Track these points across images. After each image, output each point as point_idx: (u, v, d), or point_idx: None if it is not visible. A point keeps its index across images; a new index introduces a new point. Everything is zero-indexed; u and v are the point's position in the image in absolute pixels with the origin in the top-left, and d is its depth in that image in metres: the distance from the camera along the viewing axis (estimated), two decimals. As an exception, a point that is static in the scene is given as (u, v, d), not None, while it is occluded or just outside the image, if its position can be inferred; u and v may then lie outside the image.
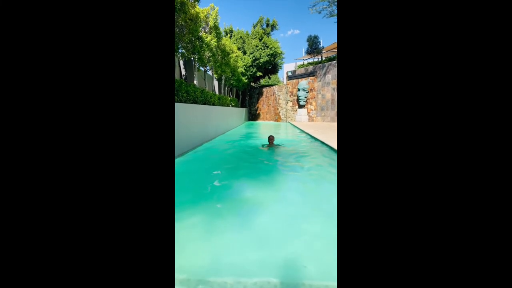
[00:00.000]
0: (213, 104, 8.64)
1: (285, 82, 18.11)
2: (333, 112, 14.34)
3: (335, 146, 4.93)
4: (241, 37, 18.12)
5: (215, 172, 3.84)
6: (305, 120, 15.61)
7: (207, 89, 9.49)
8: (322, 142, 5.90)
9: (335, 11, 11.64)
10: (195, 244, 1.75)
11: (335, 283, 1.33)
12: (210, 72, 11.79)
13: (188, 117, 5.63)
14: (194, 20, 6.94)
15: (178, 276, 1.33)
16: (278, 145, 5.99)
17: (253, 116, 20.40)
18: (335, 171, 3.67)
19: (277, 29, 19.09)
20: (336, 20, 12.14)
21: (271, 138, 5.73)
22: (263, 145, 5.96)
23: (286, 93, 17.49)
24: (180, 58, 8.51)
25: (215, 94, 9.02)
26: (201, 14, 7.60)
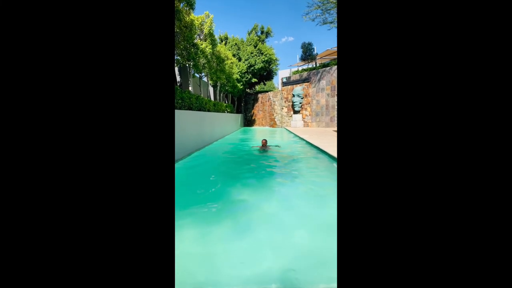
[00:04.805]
0: (208, 110, 8.64)
1: (280, 88, 18.28)
2: (327, 118, 14.47)
3: (327, 149, 4.96)
4: (236, 44, 18.31)
5: (210, 178, 3.81)
6: (300, 126, 15.71)
7: (202, 95, 9.51)
8: (318, 148, 5.93)
9: (328, 19, 11.90)
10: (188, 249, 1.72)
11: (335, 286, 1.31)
12: (205, 79, 11.83)
13: (182, 124, 5.61)
14: (189, 27, 7.00)
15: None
16: (276, 146, 6.78)
17: (248, 122, 20.45)
18: (327, 173, 3.68)
19: (271, 36, 19.36)
20: (329, 27, 12.41)
21: (264, 142, 6.40)
22: (256, 148, 6.58)
23: (281, 99, 17.63)
24: (175, 64, 8.54)
25: (210, 100, 9.03)
26: (196, 21, 7.67)
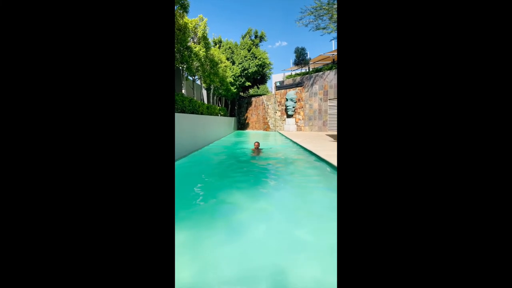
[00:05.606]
0: (202, 113, 8.58)
1: (273, 92, 18.38)
2: (320, 122, 14.62)
3: (320, 154, 5.00)
4: (230, 47, 18.36)
5: (203, 183, 3.77)
6: (294, 130, 15.81)
7: (195, 98, 9.46)
8: (311, 152, 5.96)
9: (321, 25, 12.07)
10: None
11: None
12: (198, 82, 11.79)
13: (175, 127, 5.54)
14: (183, 30, 6.98)
15: None
16: (270, 148, 6.98)
17: (242, 125, 20.44)
18: (323, 179, 3.69)
19: (265, 40, 19.54)
20: (322, 33, 12.59)
21: (256, 145, 6.55)
22: (252, 152, 6.74)
23: (275, 102, 17.73)
24: (168, 67, 8.46)
25: (203, 103, 8.98)
26: (189, 24, 7.66)
